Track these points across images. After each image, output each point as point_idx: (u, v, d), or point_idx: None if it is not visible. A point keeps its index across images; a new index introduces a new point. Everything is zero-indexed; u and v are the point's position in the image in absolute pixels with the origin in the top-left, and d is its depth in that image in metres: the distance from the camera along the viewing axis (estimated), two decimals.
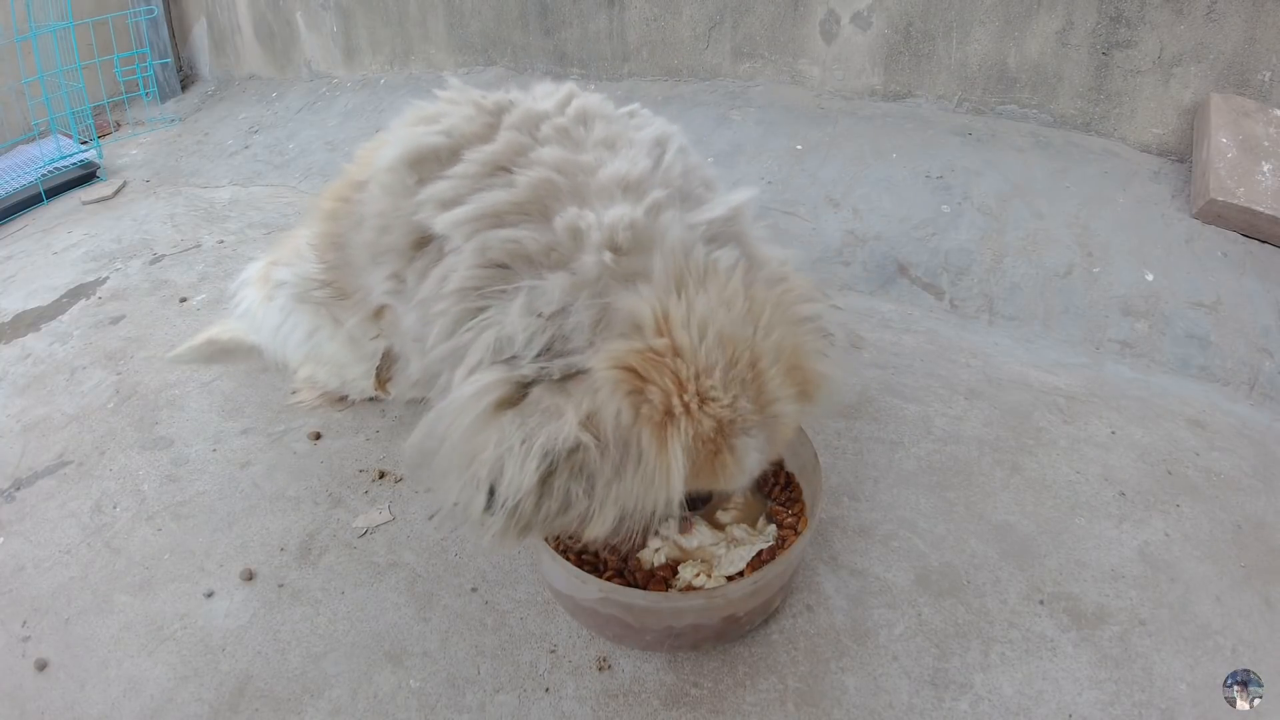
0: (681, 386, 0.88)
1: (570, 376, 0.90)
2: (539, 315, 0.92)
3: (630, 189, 1.00)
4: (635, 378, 0.88)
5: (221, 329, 1.88)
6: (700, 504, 1.08)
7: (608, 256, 0.91)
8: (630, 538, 0.93)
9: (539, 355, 0.92)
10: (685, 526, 1.21)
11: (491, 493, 0.90)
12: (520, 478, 0.87)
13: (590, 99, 1.17)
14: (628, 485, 0.88)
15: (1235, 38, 2.09)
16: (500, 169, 1.03)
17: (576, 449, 0.87)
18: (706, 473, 0.93)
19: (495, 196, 0.99)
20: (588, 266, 0.92)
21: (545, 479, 0.87)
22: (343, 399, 1.74)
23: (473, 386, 0.91)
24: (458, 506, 0.94)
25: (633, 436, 0.88)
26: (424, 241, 1.07)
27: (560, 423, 0.87)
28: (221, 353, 1.86)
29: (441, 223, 1.01)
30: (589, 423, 0.87)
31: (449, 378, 0.99)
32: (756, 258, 1.05)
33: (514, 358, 0.92)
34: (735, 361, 0.90)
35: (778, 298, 0.98)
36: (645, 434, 0.88)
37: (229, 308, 1.79)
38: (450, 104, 1.17)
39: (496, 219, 0.98)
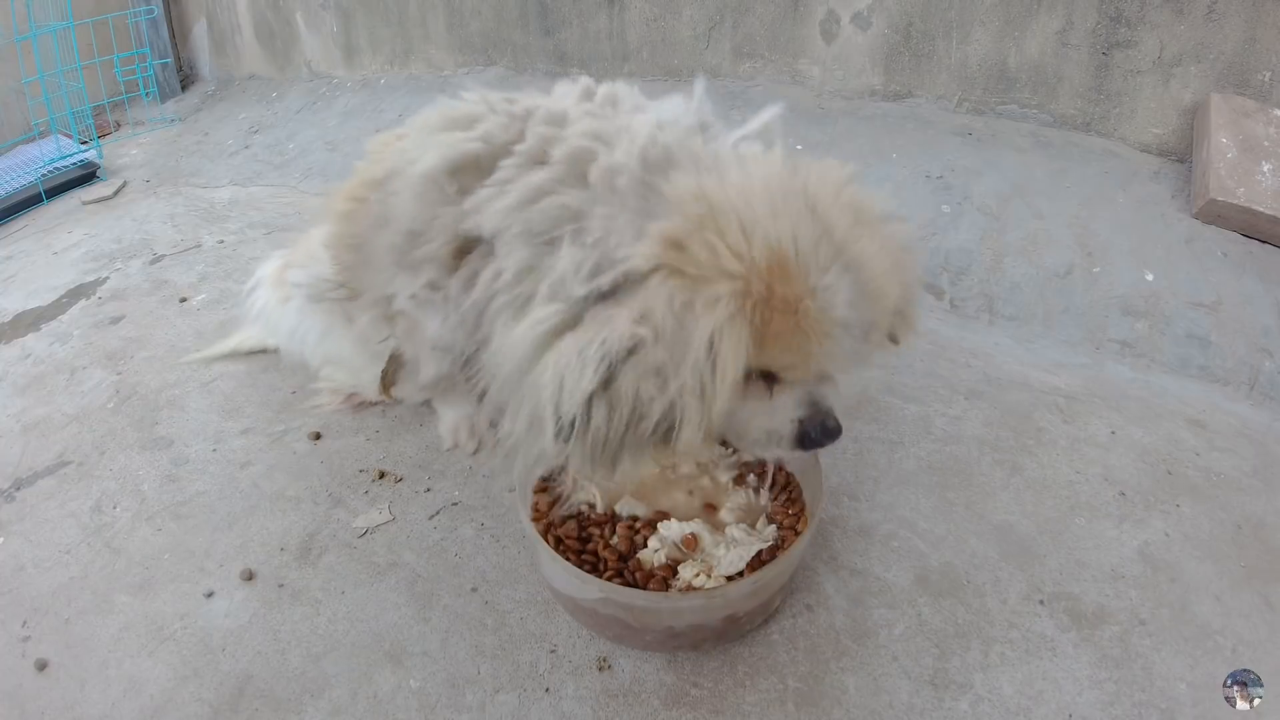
0: (723, 235, 0.83)
1: (620, 285, 0.87)
2: (585, 245, 0.90)
3: (662, 127, 0.99)
4: (678, 250, 0.84)
5: (244, 338, 1.90)
6: (828, 433, 0.96)
7: (637, 166, 0.90)
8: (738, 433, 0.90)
9: (589, 278, 0.89)
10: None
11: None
12: (579, 385, 0.83)
13: (616, 86, 1.17)
14: (697, 366, 0.83)
15: (1235, 38, 2.09)
16: (535, 163, 1.03)
17: (635, 347, 0.83)
18: (786, 333, 0.85)
19: (534, 176, 0.98)
20: (623, 189, 0.91)
21: (608, 384, 0.84)
22: (363, 402, 1.74)
23: (527, 321, 0.89)
24: (530, 442, 0.91)
25: (689, 312, 0.84)
26: (468, 248, 1.07)
27: (613, 325, 0.84)
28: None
29: (489, 218, 1.00)
30: (644, 319, 0.84)
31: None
32: None
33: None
34: (784, 202, 0.85)
35: (830, 181, 0.92)
36: (699, 300, 0.83)
37: (244, 309, 1.81)
38: (475, 105, 1.16)
39: (538, 193, 0.97)
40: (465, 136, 1.08)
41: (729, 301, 0.83)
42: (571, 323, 0.88)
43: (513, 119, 1.10)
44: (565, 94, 1.17)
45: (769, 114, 1.07)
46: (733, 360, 0.84)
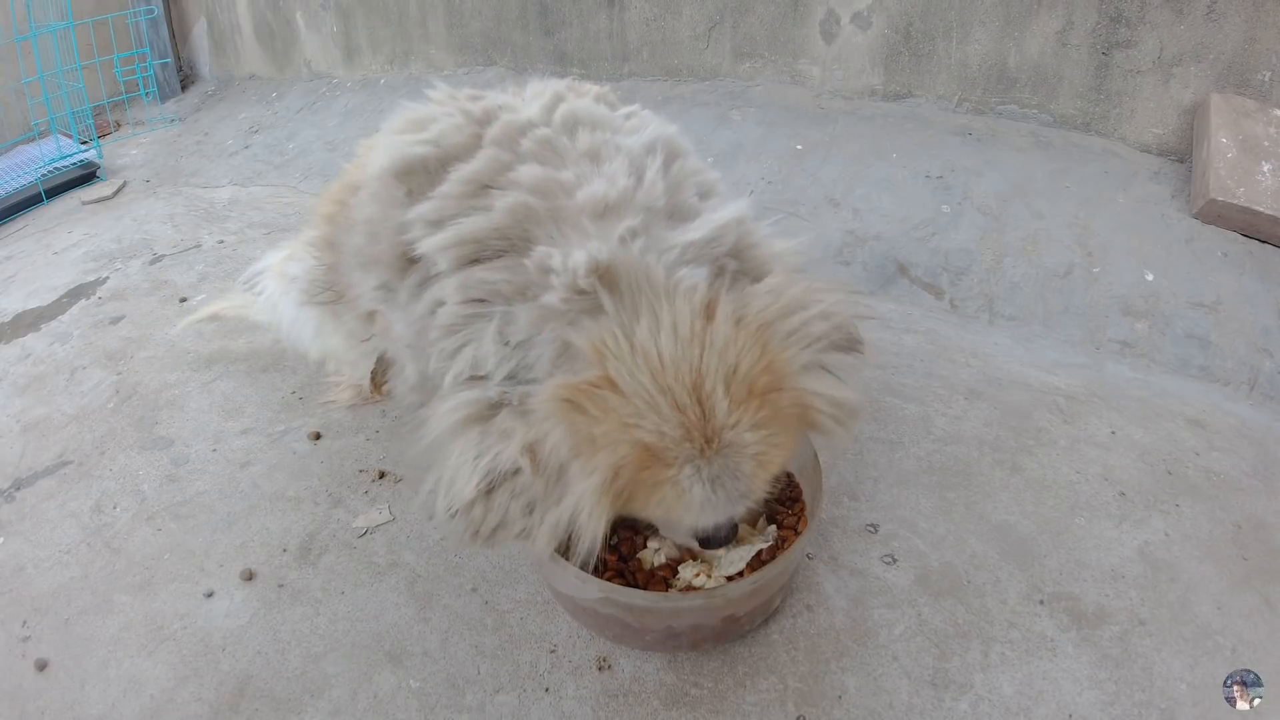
0: (606, 416, 0.89)
1: (527, 404, 0.95)
2: (507, 344, 0.98)
3: (607, 214, 0.98)
4: (573, 410, 0.90)
5: (228, 305, 1.90)
6: (718, 543, 1.05)
7: (570, 298, 0.93)
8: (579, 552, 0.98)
9: (505, 380, 0.99)
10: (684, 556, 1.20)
11: None
12: (464, 490, 0.95)
13: (579, 104, 1.14)
14: (559, 512, 0.93)
15: (1235, 38, 2.09)
16: (483, 187, 1.03)
17: (516, 472, 0.94)
18: (647, 504, 0.93)
19: (475, 222, 1.00)
20: (553, 304, 0.94)
21: (488, 494, 0.95)
22: (371, 397, 1.75)
23: (451, 402, 1.00)
24: (428, 507, 1.02)
25: (565, 467, 0.92)
26: (413, 260, 1.08)
27: (507, 445, 0.94)
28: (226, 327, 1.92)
29: (427, 246, 1.03)
30: (530, 450, 0.92)
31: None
32: (755, 267, 1.04)
33: (485, 378, 1.00)
34: (669, 387, 0.89)
35: (751, 312, 0.94)
36: (576, 465, 0.91)
37: (250, 288, 1.83)
38: (438, 106, 1.16)
39: (477, 245, 1.00)
40: (415, 139, 1.10)
41: (597, 477, 0.90)
42: (484, 417, 0.98)
43: (469, 120, 1.10)
44: (535, 97, 1.16)
45: (726, 214, 1.03)
46: (589, 530, 0.92)
